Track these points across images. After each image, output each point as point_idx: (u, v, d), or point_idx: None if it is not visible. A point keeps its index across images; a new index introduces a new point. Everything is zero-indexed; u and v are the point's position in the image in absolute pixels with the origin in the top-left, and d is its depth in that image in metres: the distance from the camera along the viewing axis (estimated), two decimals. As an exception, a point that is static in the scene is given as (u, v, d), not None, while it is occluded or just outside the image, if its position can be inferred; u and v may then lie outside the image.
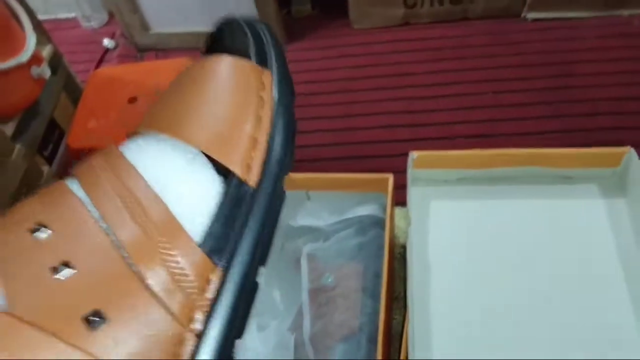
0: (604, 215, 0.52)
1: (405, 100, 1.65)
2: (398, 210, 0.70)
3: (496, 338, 0.46)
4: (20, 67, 1.07)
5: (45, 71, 1.18)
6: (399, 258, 0.62)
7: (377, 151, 1.54)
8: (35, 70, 1.13)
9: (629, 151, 0.52)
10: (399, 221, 0.69)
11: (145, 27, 1.89)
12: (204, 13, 1.83)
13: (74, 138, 1.16)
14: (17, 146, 1.07)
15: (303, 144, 1.59)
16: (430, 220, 0.56)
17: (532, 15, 1.77)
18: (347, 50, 1.83)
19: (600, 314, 0.46)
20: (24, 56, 1.05)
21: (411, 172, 0.58)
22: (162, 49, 1.94)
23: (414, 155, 0.57)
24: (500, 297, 0.48)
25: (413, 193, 0.57)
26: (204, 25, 1.86)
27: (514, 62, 1.68)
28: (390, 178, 0.60)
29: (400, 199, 0.68)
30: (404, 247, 0.63)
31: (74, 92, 1.35)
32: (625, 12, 1.74)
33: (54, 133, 1.26)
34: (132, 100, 1.21)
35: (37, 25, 1.28)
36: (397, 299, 0.63)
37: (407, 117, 1.61)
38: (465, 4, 1.77)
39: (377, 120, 1.61)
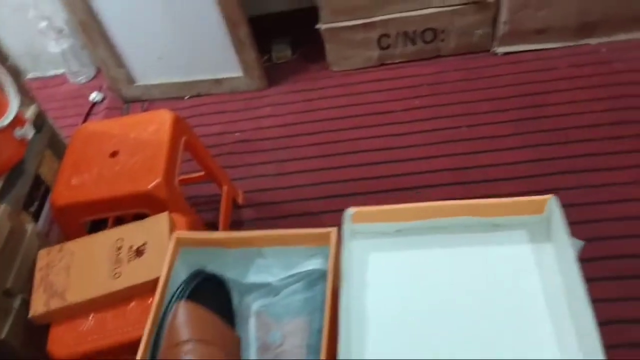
0: (531, 260, 0.53)
1: (384, 137, 1.69)
2: None
3: None
4: (2, 130, 1.11)
5: (29, 132, 1.22)
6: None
7: (358, 189, 1.57)
8: (18, 132, 1.18)
9: (551, 198, 0.54)
10: None
11: (130, 80, 1.95)
12: (185, 64, 1.89)
13: (58, 195, 1.19)
14: (2, 205, 1.10)
15: (285, 185, 1.62)
16: (369, 271, 0.57)
17: (502, 49, 1.83)
18: (327, 92, 1.88)
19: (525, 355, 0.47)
20: (5, 120, 1.10)
21: (347, 228, 0.59)
22: (147, 99, 1.99)
23: (350, 211, 0.60)
24: (432, 345, 0.49)
25: (353, 246, 0.59)
26: (185, 75, 1.93)
27: (486, 96, 1.72)
28: (333, 232, 0.63)
29: None
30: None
31: (58, 149, 1.39)
32: (594, 41, 1.80)
33: (39, 189, 1.30)
34: (114, 154, 1.25)
35: (22, 86, 1.34)
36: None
37: (386, 154, 1.64)
38: (437, 42, 1.83)
39: (358, 159, 1.65)
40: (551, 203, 0.54)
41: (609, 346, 1.16)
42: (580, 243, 0.53)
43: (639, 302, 1.22)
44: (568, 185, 1.46)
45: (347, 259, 0.57)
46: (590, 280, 1.24)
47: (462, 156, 1.58)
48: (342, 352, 0.50)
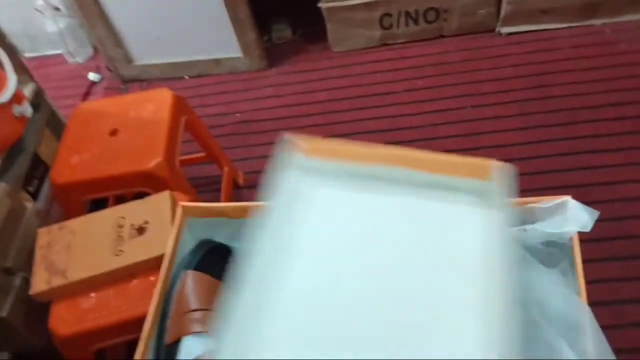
0: (469, 223, 0.52)
1: (387, 118, 1.68)
2: None
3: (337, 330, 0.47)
4: (1, 107, 1.10)
5: (27, 109, 1.20)
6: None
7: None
8: (17, 109, 1.16)
9: (497, 165, 0.53)
10: None
11: (128, 59, 1.92)
12: (184, 44, 1.87)
13: (57, 174, 1.18)
14: (2, 184, 1.09)
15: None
16: (305, 209, 0.54)
17: (505, 29, 1.80)
18: (328, 73, 1.86)
19: (441, 314, 0.47)
20: (4, 97, 1.08)
21: (289, 157, 0.56)
22: (146, 79, 1.97)
23: (291, 139, 0.57)
24: (350, 295, 0.48)
25: (293, 178, 0.55)
26: (184, 55, 1.90)
27: (491, 76, 1.71)
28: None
29: None
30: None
31: (57, 128, 1.37)
32: (598, 22, 1.78)
33: (38, 169, 1.28)
34: (114, 132, 1.24)
35: (19, 64, 1.32)
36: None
37: (389, 135, 1.63)
38: (440, 22, 1.81)
39: (361, 140, 1.63)
40: (498, 168, 0.52)
41: (611, 326, 1.17)
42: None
43: (636, 282, 1.22)
44: (571, 167, 1.45)
45: (284, 191, 0.55)
46: (592, 260, 1.25)
47: (466, 137, 1.56)
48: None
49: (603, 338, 0.47)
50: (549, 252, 0.54)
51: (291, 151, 0.57)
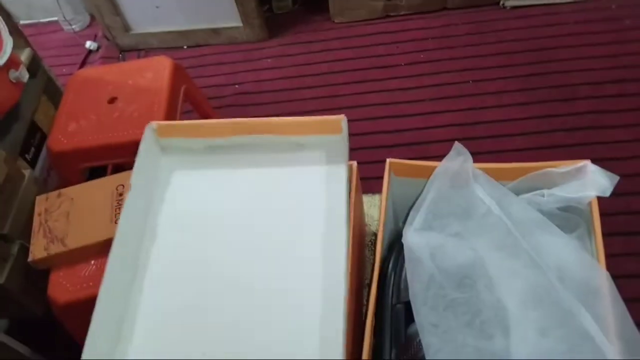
0: (324, 180, 0.54)
1: (388, 92, 1.66)
2: (369, 198, 0.71)
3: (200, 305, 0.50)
4: (-3, 71, 1.07)
5: (24, 74, 1.18)
6: (369, 245, 0.62)
7: (361, 143, 1.54)
8: (13, 74, 1.13)
9: (343, 118, 0.54)
10: (370, 209, 0.70)
11: (126, 28, 1.89)
12: (183, 13, 1.83)
13: (55, 141, 1.16)
14: (-2, 150, 1.07)
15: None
16: (171, 187, 0.57)
17: (510, 2, 1.77)
18: (329, 45, 1.83)
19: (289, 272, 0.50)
20: (0, 60, 1.06)
21: (149, 142, 0.58)
22: (144, 48, 1.94)
23: (153, 125, 0.58)
24: (204, 276, 0.52)
25: (156, 160, 0.58)
26: (183, 24, 1.87)
27: (494, 50, 1.68)
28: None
29: (375, 189, 0.69)
30: (375, 235, 0.64)
31: (54, 95, 1.35)
32: (604, -3, 1.76)
33: (35, 136, 1.26)
34: (112, 100, 1.22)
35: (15, 29, 1.29)
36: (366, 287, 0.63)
37: (390, 109, 1.61)
38: (444, -6, 1.78)
39: (361, 113, 1.62)
40: (343, 122, 0.53)
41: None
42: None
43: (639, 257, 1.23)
44: (573, 142, 1.44)
45: (146, 173, 0.57)
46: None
47: (468, 111, 1.55)
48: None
49: (621, 302, 0.47)
50: (566, 217, 0.54)
51: (150, 135, 0.60)
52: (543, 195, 0.53)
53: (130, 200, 0.56)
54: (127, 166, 1.28)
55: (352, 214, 0.52)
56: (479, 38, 1.73)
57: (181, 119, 1.25)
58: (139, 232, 0.56)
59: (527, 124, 1.49)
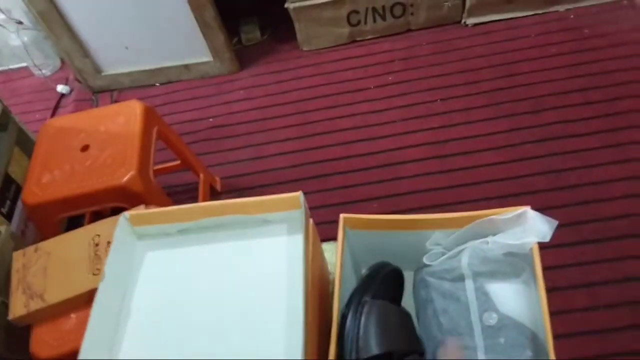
0: (284, 252, 0.60)
1: (359, 115, 1.69)
2: (330, 246, 0.73)
3: None
4: (-34, 131, 1.08)
5: (-6, 131, 1.19)
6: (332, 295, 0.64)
7: (337, 168, 1.57)
8: (-17, 132, 1.14)
9: (300, 195, 0.59)
10: (331, 257, 0.72)
11: (97, 70, 1.90)
12: (152, 51, 1.85)
13: (29, 194, 1.17)
14: (-28, 208, 1.08)
15: (262, 169, 1.61)
16: (142, 270, 0.62)
17: (471, 20, 1.82)
18: (299, 72, 1.86)
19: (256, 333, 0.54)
20: (-31, 120, 1.06)
21: (123, 230, 0.64)
22: (116, 88, 1.95)
23: (127, 215, 0.64)
24: (177, 339, 0.56)
25: (129, 246, 0.64)
26: (153, 62, 1.89)
27: (459, 68, 1.72)
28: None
29: (331, 235, 0.71)
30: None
31: (27, 145, 1.36)
32: (562, 8, 1.81)
33: (10, 189, 1.27)
34: (85, 148, 1.23)
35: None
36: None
37: (362, 132, 1.64)
38: (407, 16, 1.82)
39: (334, 138, 1.64)
40: (300, 198, 0.60)
41: (586, 308, 1.20)
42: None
43: (612, 263, 1.26)
44: (541, 153, 1.48)
45: (120, 259, 0.62)
46: (566, 245, 1.29)
47: (437, 130, 1.58)
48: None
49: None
50: (511, 263, 0.56)
51: (124, 224, 0.65)
52: (487, 243, 0.55)
53: (103, 288, 0.60)
54: (104, 213, 1.30)
55: (310, 276, 0.56)
56: (443, 57, 1.77)
57: (155, 157, 1.26)
58: (113, 314, 0.60)
59: (497, 139, 1.53)
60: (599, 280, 1.24)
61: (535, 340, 0.51)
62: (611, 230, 1.31)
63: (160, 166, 1.51)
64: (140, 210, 0.65)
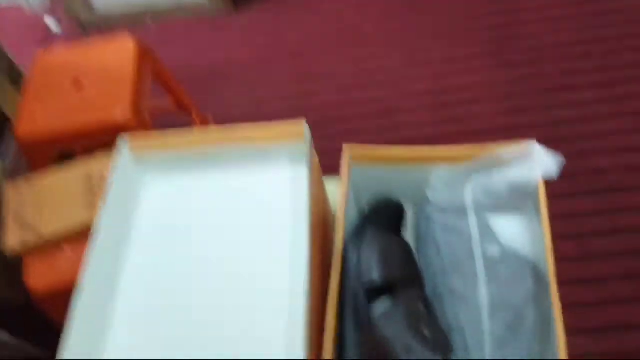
0: (287, 182, 0.59)
1: (358, 60, 1.65)
2: (330, 181, 0.72)
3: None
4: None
5: (-17, 61, 1.15)
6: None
7: (335, 113, 1.55)
8: (-28, 61, 1.11)
9: (304, 123, 0.57)
10: (331, 194, 0.71)
11: (88, 6, 1.83)
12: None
13: (22, 128, 1.14)
14: (-37, 140, 1.06)
15: (258, 113, 1.59)
16: (144, 196, 0.61)
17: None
18: (296, 15, 1.81)
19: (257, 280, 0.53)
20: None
21: (123, 156, 0.62)
22: (107, 25, 1.89)
23: (125, 140, 0.62)
24: (179, 279, 0.55)
25: (127, 173, 0.62)
26: (146, 0, 1.82)
27: (460, 14, 1.68)
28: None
29: (333, 164, 0.70)
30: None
31: (18, 80, 1.32)
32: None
33: (2, 124, 1.24)
34: (77, 83, 1.19)
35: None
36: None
37: (361, 78, 1.61)
38: (410, -41, 1.76)
39: (333, 83, 1.62)
40: (304, 127, 0.58)
41: (577, 258, 1.22)
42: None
43: (604, 215, 1.27)
44: (540, 104, 1.47)
45: (119, 185, 0.60)
46: (560, 196, 1.29)
47: (438, 77, 1.56)
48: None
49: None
50: (515, 197, 0.56)
51: (123, 148, 0.63)
52: (492, 177, 0.55)
53: (104, 213, 0.59)
54: (97, 149, 1.28)
55: (313, 209, 0.55)
56: (445, 2, 1.72)
57: (148, 97, 1.24)
58: (114, 242, 0.59)
59: (495, 89, 1.51)
60: (590, 231, 1.25)
61: (537, 271, 0.51)
62: (605, 182, 1.32)
63: (153, 107, 1.48)
64: (139, 135, 0.64)
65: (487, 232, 0.54)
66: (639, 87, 1.45)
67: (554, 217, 1.50)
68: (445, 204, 0.58)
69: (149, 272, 0.57)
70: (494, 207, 0.55)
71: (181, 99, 1.43)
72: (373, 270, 0.52)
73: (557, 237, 1.40)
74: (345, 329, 0.51)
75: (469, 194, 0.56)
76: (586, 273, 1.20)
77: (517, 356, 0.47)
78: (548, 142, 1.40)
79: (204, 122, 1.52)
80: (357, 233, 0.56)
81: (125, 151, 0.62)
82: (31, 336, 1.10)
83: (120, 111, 1.12)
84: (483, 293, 0.50)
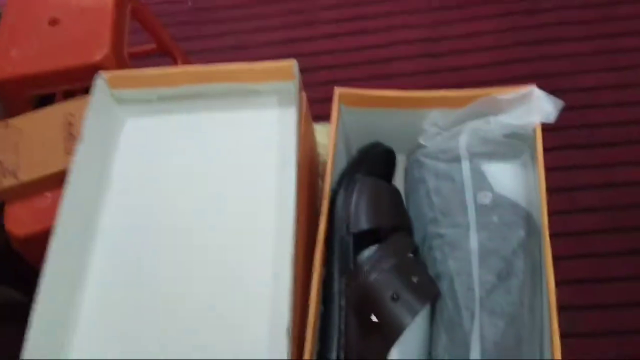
0: (275, 125, 0.56)
1: (350, 6, 1.59)
2: (319, 127, 0.70)
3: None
4: None
5: (-48, -5, 1.08)
6: (322, 175, 0.62)
7: (326, 62, 1.50)
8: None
9: (293, 63, 0.54)
10: (325, 138, 0.68)
11: (66, -59, 1.73)
12: None
13: (-4, 68, 1.10)
14: None
15: (245, 59, 1.53)
16: (121, 138, 0.58)
17: None
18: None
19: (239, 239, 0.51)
20: None
21: (101, 93, 0.59)
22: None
23: (104, 76, 0.58)
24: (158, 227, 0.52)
25: (107, 111, 0.58)
26: None
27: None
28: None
29: (322, 113, 0.67)
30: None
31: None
32: None
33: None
34: (54, 22, 1.14)
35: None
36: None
37: (352, 25, 1.56)
38: None
39: (322, 29, 1.56)
40: (294, 67, 0.55)
41: (565, 212, 1.22)
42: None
43: (595, 169, 1.26)
44: (534, 56, 1.44)
45: (95, 125, 0.57)
46: (553, 149, 1.26)
47: (430, 27, 1.51)
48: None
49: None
50: (511, 144, 0.54)
51: (101, 85, 0.59)
52: (488, 123, 0.52)
53: (81, 152, 0.55)
54: (76, 92, 1.23)
55: (301, 151, 0.53)
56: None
57: (130, 39, 1.19)
58: (91, 183, 0.56)
59: (490, 39, 1.47)
60: (580, 185, 1.25)
61: (529, 221, 0.50)
62: (597, 137, 1.30)
63: (135, 49, 1.42)
64: (119, 71, 0.60)
65: (480, 179, 0.52)
66: (638, 40, 1.42)
67: (546, 171, 1.49)
68: (438, 150, 0.56)
69: (128, 217, 0.54)
70: (489, 153, 0.53)
71: (164, 41, 1.37)
72: (362, 217, 0.51)
73: (548, 190, 1.40)
74: (332, 276, 0.49)
75: (464, 139, 0.54)
76: (574, 226, 1.21)
77: (506, 304, 0.46)
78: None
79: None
80: (346, 179, 0.54)
81: (102, 88, 0.59)
82: (12, 281, 1.08)
83: (100, 53, 1.07)
84: (473, 240, 0.49)
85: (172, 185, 0.55)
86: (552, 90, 1.47)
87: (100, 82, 0.59)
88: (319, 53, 1.53)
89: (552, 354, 0.41)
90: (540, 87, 1.49)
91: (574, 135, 1.30)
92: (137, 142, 0.59)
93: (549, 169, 1.39)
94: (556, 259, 1.21)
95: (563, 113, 1.49)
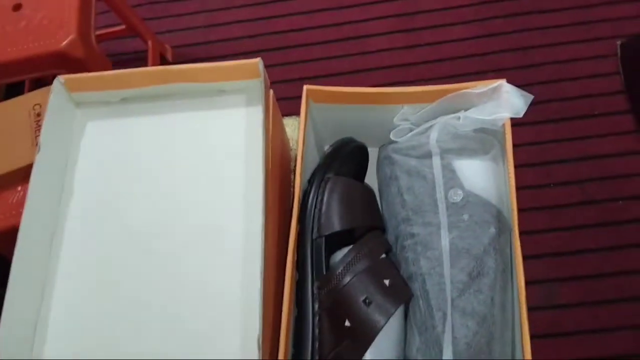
0: (242, 125, 0.55)
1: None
2: (291, 121, 0.69)
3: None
4: None
5: None
6: (294, 171, 0.61)
7: (299, 40, 1.48)
8: None
9: (259, 61, 0.53)
10: (295, 132, 0.67)
11: None
12: None
13: (-42, 57, 1.05)
14: None
15: (217, 39, 1.50)
16: (83, 141, 0.56)
17: None
18: None
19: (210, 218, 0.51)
20: None
21: (58, 96, 0.57)
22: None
23: (61, 80, 0.56)
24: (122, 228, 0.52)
25: (67, 115, 0.57)
26: None
27: None
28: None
29: (292, 111, 0.66)
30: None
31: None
32: None
33: None
34: (17, 7, 1.09)
35: None
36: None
37: (325, 0, 1.53)
38: None
39: (296, 6, 1.53)
40: (259, 65, 0.53)
41: (539, 186, 1.23)
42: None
43: (570, 142, 1.27)
44: (510, 29, 1.43)
45: (57, 129, 0.56)
46: (527, 124, 1.28)
47: (405, 0, 1.49)
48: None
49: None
50: (481, 139, 0.53)
51: (59, 89, 0.57)
52: (459, 119, 0.52)
53: (40, 160, 0.53)
54: (47, 80, 1.19)
55: (270, 150, 0.52)
56: None
57: (97, 21, 1.15)
58: (53, 190, 0.55)
59: (466, 12, 1.46)
60: (555, 159, 1.26)
61: (500, 218, 0.50)
62: (573, 110, 1.31)
63: (103, 31, 1.38)
64: (77, 74, 0.58)
65: (450, 176, 0.52)
66: (614, 11, 1.42)
67: (520, 145, 1.50)
68: (409, 146, 0.55)
69: (93, 222, 0.53)
70: (460, 149, 0.53)
71: (132, 22, 1.33)
72: (334, 218, 0.50)
73: (522, 164, 1.41)
74: (305, 279, 0.49)
75: (434, 135, 0.54)
76: (546, 200, 1.22)
77: (477, 303, 0.46)
78: (518, 68, 1.38)
79: (160, 47, 1.44)
80: (318, 178, 0.53)
81: (60, 92, 0.57)
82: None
83: (66, 38, 1.04)
84: (444, 239, 0.49)
85: (136, 189, 0.54)
86: (528, 65, 1.47)
87: (58, 86, 0.57)
88: (292, 30, 1.51)
89: (523, 354, 0.42)
90: (517, 61, 1.48)
91: (549, 109, 1.31)
92: (99, 145, 0.57)
93: (524, 144, 1.40)
94: (532, 232, 1.24)
95: (539, 86, 1.49)
